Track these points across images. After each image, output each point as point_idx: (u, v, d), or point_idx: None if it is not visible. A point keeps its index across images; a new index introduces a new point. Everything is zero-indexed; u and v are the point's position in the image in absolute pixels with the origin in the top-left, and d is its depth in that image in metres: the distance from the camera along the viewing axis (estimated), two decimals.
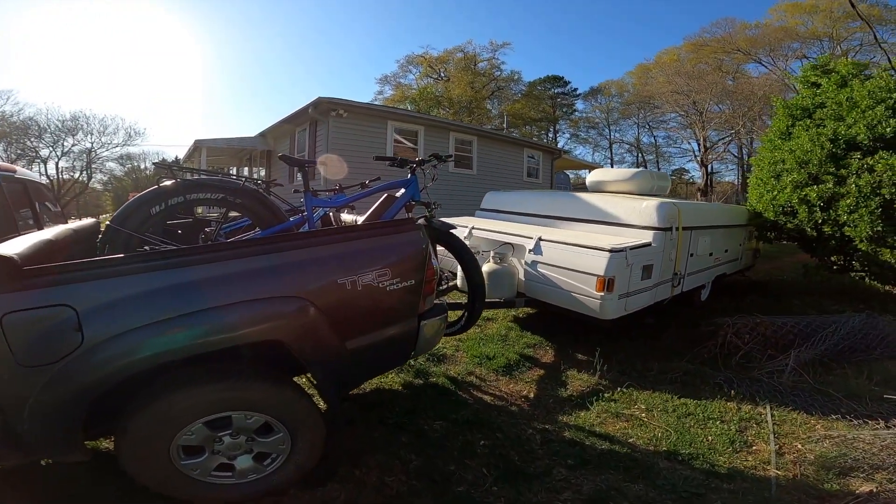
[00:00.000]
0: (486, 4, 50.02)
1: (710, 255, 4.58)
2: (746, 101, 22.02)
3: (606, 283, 3.05)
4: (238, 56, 59.49)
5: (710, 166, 25.79)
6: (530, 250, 3.50)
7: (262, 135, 11.84)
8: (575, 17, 49.24)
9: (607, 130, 36.43)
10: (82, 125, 26.56)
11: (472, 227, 4.05)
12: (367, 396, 2.82)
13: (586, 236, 3.49)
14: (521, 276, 3.63)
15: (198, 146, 12.39)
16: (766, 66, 24.04)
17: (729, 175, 31.26)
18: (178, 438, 1.60)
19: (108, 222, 2.02)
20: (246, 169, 16.30)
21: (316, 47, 58.97)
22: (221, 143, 12.01)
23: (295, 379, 2.08)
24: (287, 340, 1.66)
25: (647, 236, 3.53)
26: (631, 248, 3.17)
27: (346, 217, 3.25)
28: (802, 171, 4.90)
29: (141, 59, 56.49)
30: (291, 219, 2.36)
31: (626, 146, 36.45)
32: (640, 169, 4.97)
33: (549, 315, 4.15)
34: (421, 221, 2.56)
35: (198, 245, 1.82)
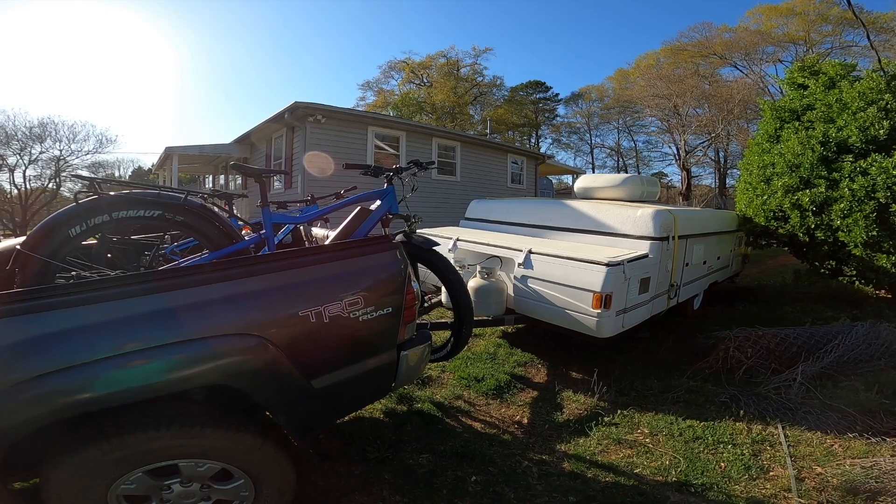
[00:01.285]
0: (468, 10, 50.26)
1: (704, 263, 4.42)
2: (725, 105, 22.34)
3: (604, 300, 2.83)
4: (214, 62, 58.50)
5: (690, 170, 26.12)
6: (520, 264, 3.26)
7: (238, 141, 11.43)
8: (556, 22, 49.93)
9: (588, 135, 36.81)
10: (51, 132, 25.49)
11: (457, 239, 3.80)
12: (346, 427, 2.55)
13: (580, 248, 3.26)
14: (511, 291, 3.39)
15: (169, 154, 11.90)
16: (741, 71, 24.53)
17: (707, 179, 31.84)
18: (115, 489, 1.34)
19: (17, 246, 1.67)
20: (222, 178, 15.82)
21: (295, 53, 58.40)
22: (194, 150, 11.54)
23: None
24: (238, 385, 1.41)
25: (643, 247, 3.33)
26: (629, 261, 2.96)
27: (318, 232, 2.93)
28: (793, 174, 4.78)
29: (113, 66, 55.11)
30: (248, 238, 2.05)
31: (607, 151, 36.90)
32: (630, 174, 4.80)
33: (538, 330, 3.93)
34: (399, 238, 2.29)
35: (118, 275, 1.51)
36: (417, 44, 69.43)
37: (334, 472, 2.15)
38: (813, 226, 4.65)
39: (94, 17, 47.67)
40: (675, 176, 31.78)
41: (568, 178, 29.85)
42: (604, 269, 2.82)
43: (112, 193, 1.76)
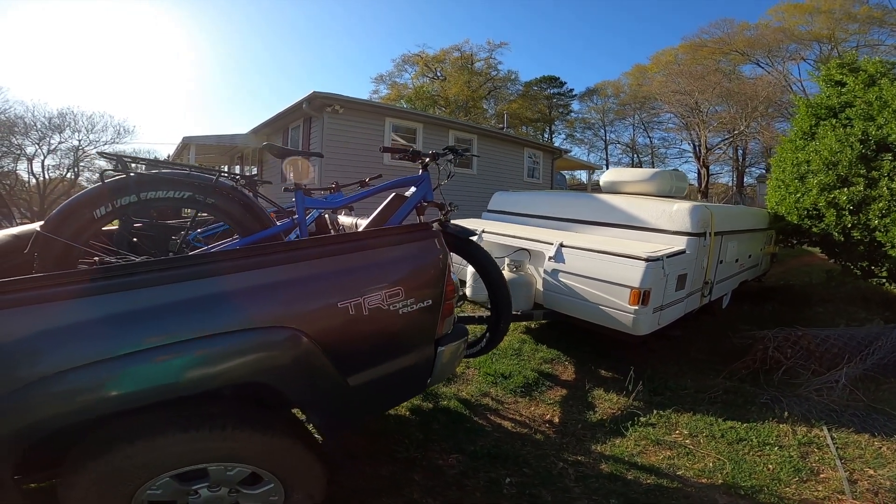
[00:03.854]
0: (483, 3, 49.81)
1: (737, 261, 4.28)
2: (750, 102, 21.86)
3: (641, 296, 2.72)
4: (231, 53, 58.58)
5: (709, 167, 25.68)
6: (550, 257, 3.15)
7: (255, 132, 11.40)
8: (571, 17, 49.23)
9: (603, 131, 36.37)
10: (69, 122, 25.82)
11: (483, 231, 3.70)
12: (372, 425, 2.47)
13: (615, 242, 3.15)
14: (540, 285, 3.29)
15: (186, 143, 11.95)
16: (763, 68, 24.03)
17: (724, 177, 31.31)
18: (140, 494, 1.27)
19: (38, 228, 1.57)
20: (237, 168, 15.85)
21: (310, 45, 58.37)
22: (211, 140, 11.56)
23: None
24: (272, 382, 1.33)
25: (679, 242, 3.21)
26: (668, 257, 2.84)
27: (345, 220, 2.85)
28: (830, 172, 4.60)
29: (132, 57, 55.42)
30: (279, 223, 1.96)
31: (622, 147, 36.46)
32: (659, 169, 4.65)
33: (563, 325, 3.84)
34: (436, 226, 2.21)
35: (144, 260, 1.42)
36: (432, 37, 69.06)
37: (361, 472, 2.08)
38: (850, 225, 4.47)
39: (113, 9, 48.08)
40: (691, 173, 31.31)
41: (580, 174, 29.72)
42: (643, 264, 2.71)
43: (140, 172, 1.67)
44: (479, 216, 4.64)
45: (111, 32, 49.88)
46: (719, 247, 3.67)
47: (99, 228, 1.64)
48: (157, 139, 61.14)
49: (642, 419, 2.64)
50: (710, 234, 3.37)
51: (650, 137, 34.39)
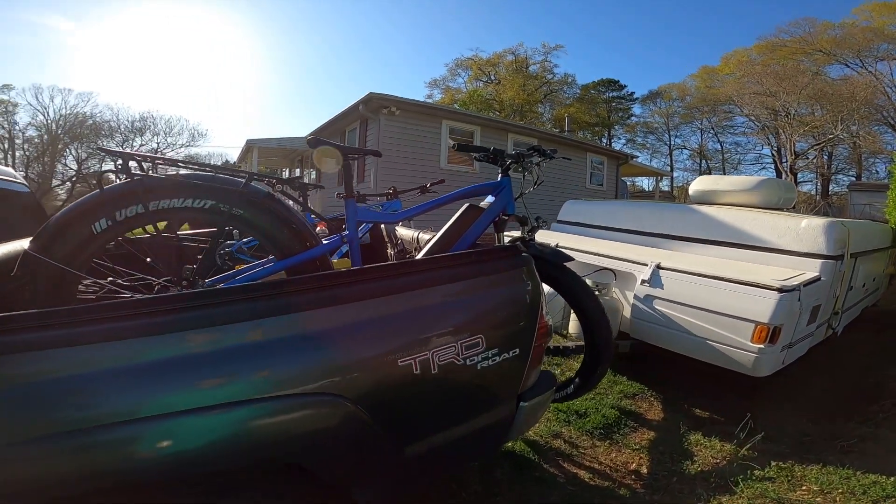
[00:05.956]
0: (537, 6, 48.91)
1: (863, 285, 3.53)
2: (846, 105, 19.80)
3: (770, 333, 2.16)
4: (290, 59, 61.70)
5: (796, 175, 23.46)
6: (644, 281, 2.63)
7: (314, 134, 11.52)
8: (630, 20, 47.25)
9: (668, 136, 34.50)
10: (150, 125, 27.99)
11: (556, 245, 3.22)
12: None
13: (729, 266, 2.58)
14: (627, 312, 2.77)
15: (250, 146, 12.31)
16: (852, 69, 22.03)
17: (806, 185, 28.60)
18: None
19: (26, 247, 1.24)
20: (298, 171, 16.24)
21: (367, 52, 60.10)
22: (273, 143, 11.83)
23: None
24: (305, 462, 0.99)
25: (811, 267, 2.58)
26: (805, 286, 2.25)
27: (404, 232, 2.44)
28: None
29: (202, 63, 59.75)
30: (326, 241, 1.55)
31: (688, 152, 34.44)
32: (766, 177, 3.96)
33: (645, 353, 3.30)
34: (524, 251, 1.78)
35: (128, 299, 1.05)
36: (485, 41, 69.00)
37: None
38: None
39: (187, 18, 52.33)
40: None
41: (641, 181, 28.21)
42: (775, 295, 2.14)
43: (148, 175, 1.31)
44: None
45: (186, 40, 54.26)
46: (852, 270, 2.99)
47: (102, 245, 1.31)
48: (227, 143, 65.19)
49: (757, 472, 2.10)
50: (846, 255, 2.71)
51: (721, 142, 32.22)
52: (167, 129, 28.30)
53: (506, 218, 1.89)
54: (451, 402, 1.19)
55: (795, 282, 2.24)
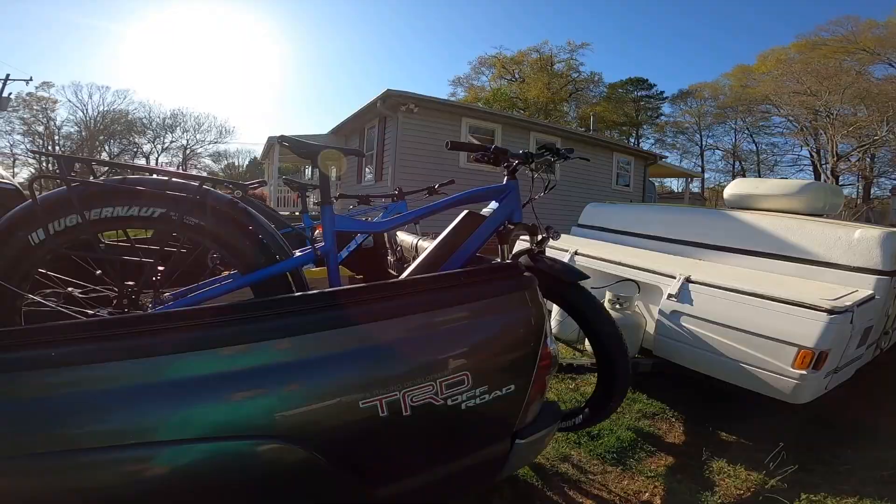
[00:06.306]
0: (563, 4, 48.09)
1: None
2: (892, 105, 18.72)
3: (815, 359, 1.90)
4: (315, 59, 63.01)
5: (838, 178, 22.34)
6: (671, 295, 2.38)
7: (334, 132, 11.51)
8: (658, 18, 45.97)
9: (699, 136, 33.41)
10: (180, 122, 28.81)
11: (575, 253, 2.99)
12: None
13: (769, 281, 2.31)
14: (651, 328, 2.53)
15: (272, 143, 12.39)
16: None
17: (846, 188, 27.19)
18: None
19: None
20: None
21: (389, 49, 60.58)
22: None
23: None
24: None
25: (864, 283, 2.29)
26: (858, 306, 1.97)
27: (405, 238, 2.24)
28: None
29: (230, 61, 62.03)
30: (299, 253, 1.35)
31: (721, 153, 33.31)
32: (810, 181, 3.61)
33: (667, 373, 3.03)
34: (523, 262, 1.56)
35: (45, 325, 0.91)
36: (509, 39, 68.57)
37: None
38: None
39: (215, 18, 54.25)
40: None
41: (669, 182, 27.35)
42: (824, 317, 1.87)
43: (85, 181, 1.15)
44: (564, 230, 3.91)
45: (214, 39, 56.42)
46: None
47: (44, 257, 1.17)
48: (253, 140, 66.87)
49: None
50: None
51: (755, 143, 30.98)
52: (196, 126, 29.06)
53: (511, 227, 1.66)
54: (431, 444, 1.01)
55: (848, 302, 1.96)
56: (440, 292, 0.97)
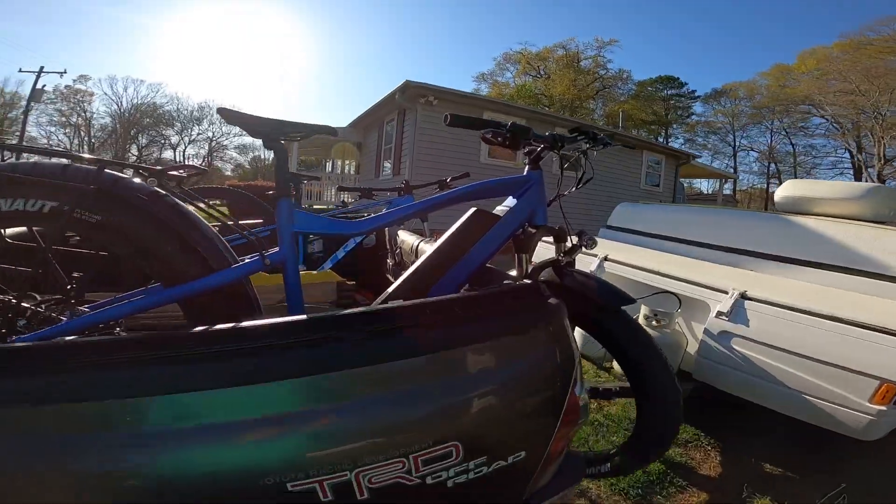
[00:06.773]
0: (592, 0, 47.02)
1: None
2: None
3: None
4: (338, 53, 64.06)
5: (885, 182, 21.19)
6: (721, 313, 2.03)
7: (353, 125, 11.35)
8: (689, 15, 44.52)
9: (732, 136, 32.24)
10: (207, 114, 29.34)
11: (605, 258, 2.66)
12: None
13: (847, 301, 1.93)
14: (692, 348, 2.18)
15: None
16: None
17: None
18: None
19: None
20: (339, 161, 16.22)
21: (415, 43, 60.66)
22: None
23: None
24: None
25: None
26: None
27: (406, 237, 1.92)
28: None
29: (254, 55, 63.48)
30: (247, 260, 1.04)
31: (755, 154, 32.12)
32: (875, 184, 3.18)
33: (710, 399, 2.66)
34: (548, 275, 1.24)
35: None
36: (535, 36, 67.83)
37: None
38: None
39: (244, 12, 55.68)
40: None
41: (699, 183, 26.34)
42: None
43: None
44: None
45: (242, 33, 57.73)
46: None
47: None
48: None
49: None
50: None
51: (793, 144, 29.72)
52: (222, 118, 29.65)
53: (532, 231, 1.30)
54: None
55: None
56: (418, 330, 0.66)
